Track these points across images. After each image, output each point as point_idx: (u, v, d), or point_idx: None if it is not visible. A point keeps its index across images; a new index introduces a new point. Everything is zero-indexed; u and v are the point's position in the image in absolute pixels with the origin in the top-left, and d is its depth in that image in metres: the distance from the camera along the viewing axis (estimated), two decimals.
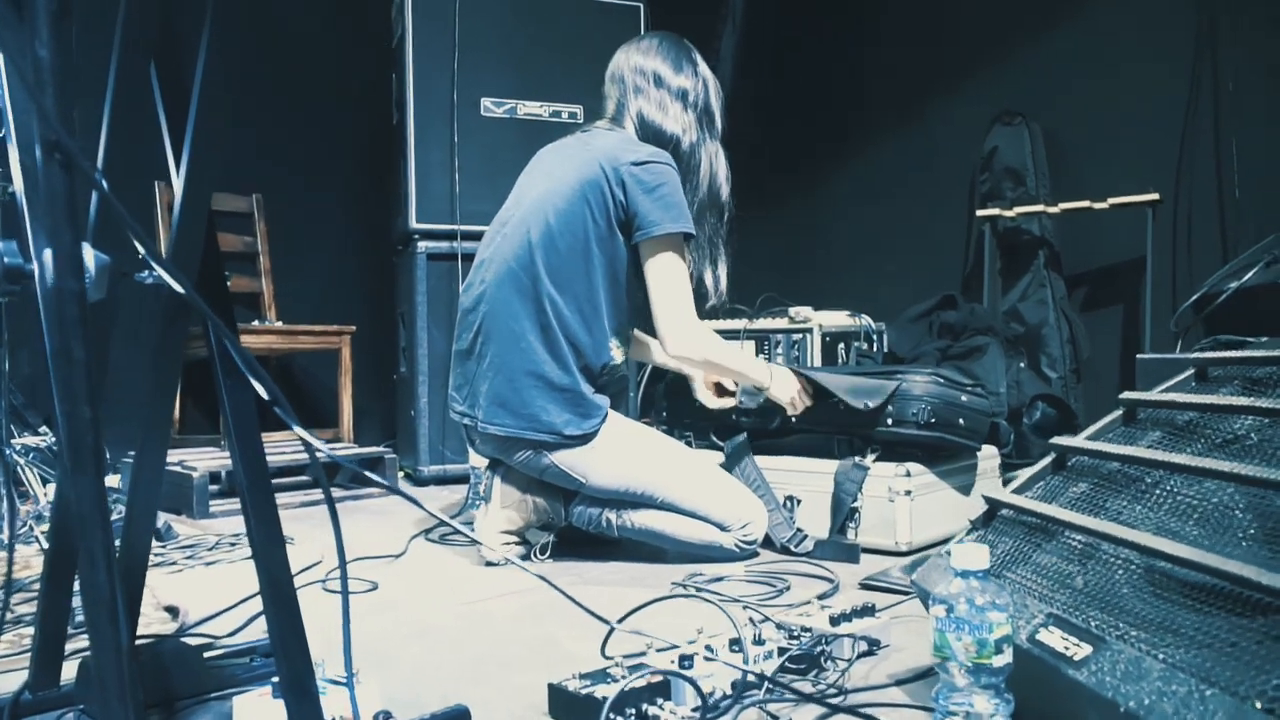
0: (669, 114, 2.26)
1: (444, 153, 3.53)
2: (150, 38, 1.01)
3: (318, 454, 0.84)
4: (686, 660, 1.25)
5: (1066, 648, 0.97)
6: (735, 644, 1.32)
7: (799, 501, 2.34)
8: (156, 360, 1.19)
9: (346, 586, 0.89)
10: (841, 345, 3.26)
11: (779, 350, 3.28)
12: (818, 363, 3.20)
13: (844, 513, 2.23)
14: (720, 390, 2.52)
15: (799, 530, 2.25)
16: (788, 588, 1.90)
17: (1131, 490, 1.17)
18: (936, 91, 4.08)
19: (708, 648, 1.31)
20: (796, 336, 3.25)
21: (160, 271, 0.83)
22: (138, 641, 1.42)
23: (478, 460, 2.42)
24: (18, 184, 1.00)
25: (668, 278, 2.17)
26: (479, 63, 3.58)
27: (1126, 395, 1.32)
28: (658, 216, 2.13)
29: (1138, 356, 1.61)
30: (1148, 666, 0.88)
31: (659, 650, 1.34)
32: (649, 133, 2.25)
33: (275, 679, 1.25)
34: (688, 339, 2.19)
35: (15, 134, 0.98)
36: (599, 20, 3.75)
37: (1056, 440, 1.32)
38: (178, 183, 1.10)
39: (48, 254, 0.93)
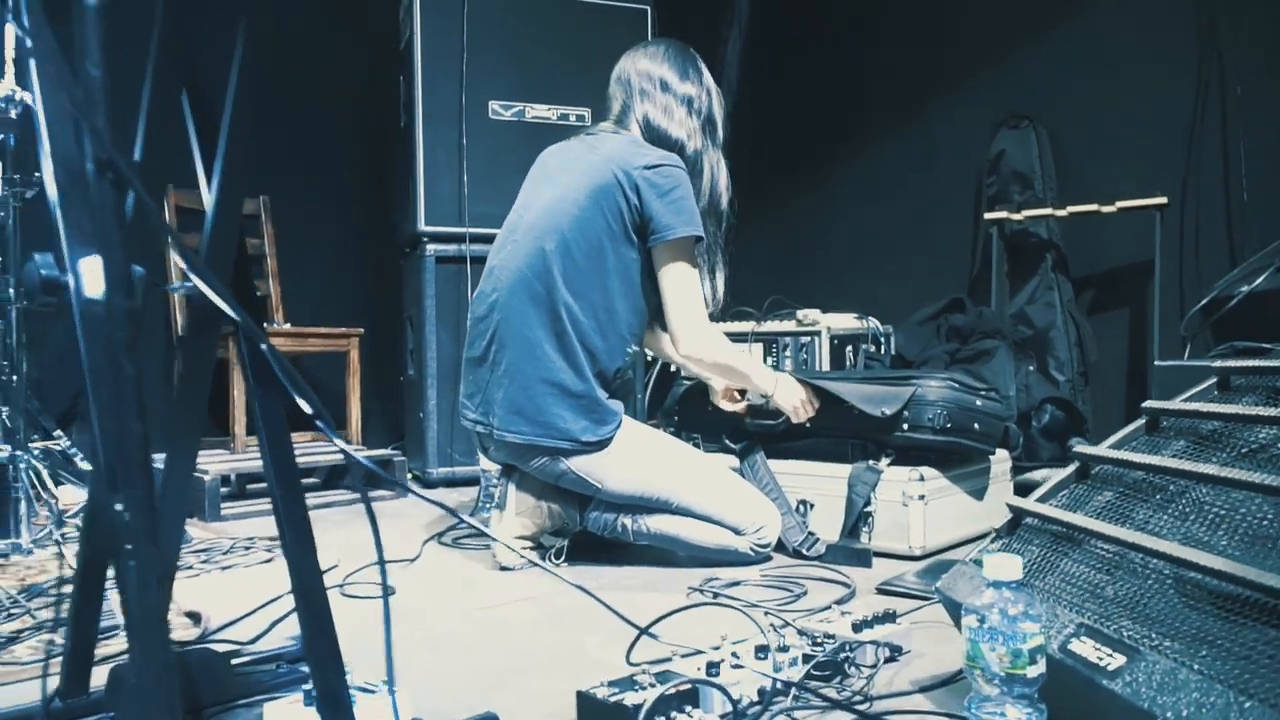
0: (674, 119, 2.27)
1: (452, 155, 3.53)
2: (183, 64, 1.02)
3: (361, 464, 0.85)
4: (713, 667, 1.26)
5: (1100, 658, 0.98)
6: (761, 651, 1.33)
7: (812, 505, 2.35)
8: (186, 368, 1.20)
9: (388, 601, 0.89)
10: (849, 348, 3.27)
11: (787, 353, 3.28)
12: (825, 366, 3.21)
13: (857, 517, 2.24)
14: (735, 397, 2.53)
15: (811, 534, 2.26)
16: (804, 593, 1.90)
17: (1157, 499, 1.18)
18: (941, 94, 4.09)
19: (734, 654, 1.31)
20: (804, 339, 3.26)
21: (209, 292, 0.83)
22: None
23: (487, 463, 2.43)
24: (52, 197, 1.01)
25: (682, 281, 2.18)
26: (486, 65, 3.58)
27: (1150, 404, 1.33)
28: (672, 220, 2.14)
29: (1155, 363, 1.62)
30: (1184, 678, 0.88)
31: (684, 656, 1.35)
32: (654, 136, 2.26)
33: (305, 687, 1.25)
34: (700, 341, 2.21)
35: (51, 147, 0.99)
36: (606, 23, 3.76)
37: (1080, 449, 1.33)
38: (209, 197, 1.11)
39: (87, 267, 0.93)
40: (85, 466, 2.36)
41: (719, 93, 2.36)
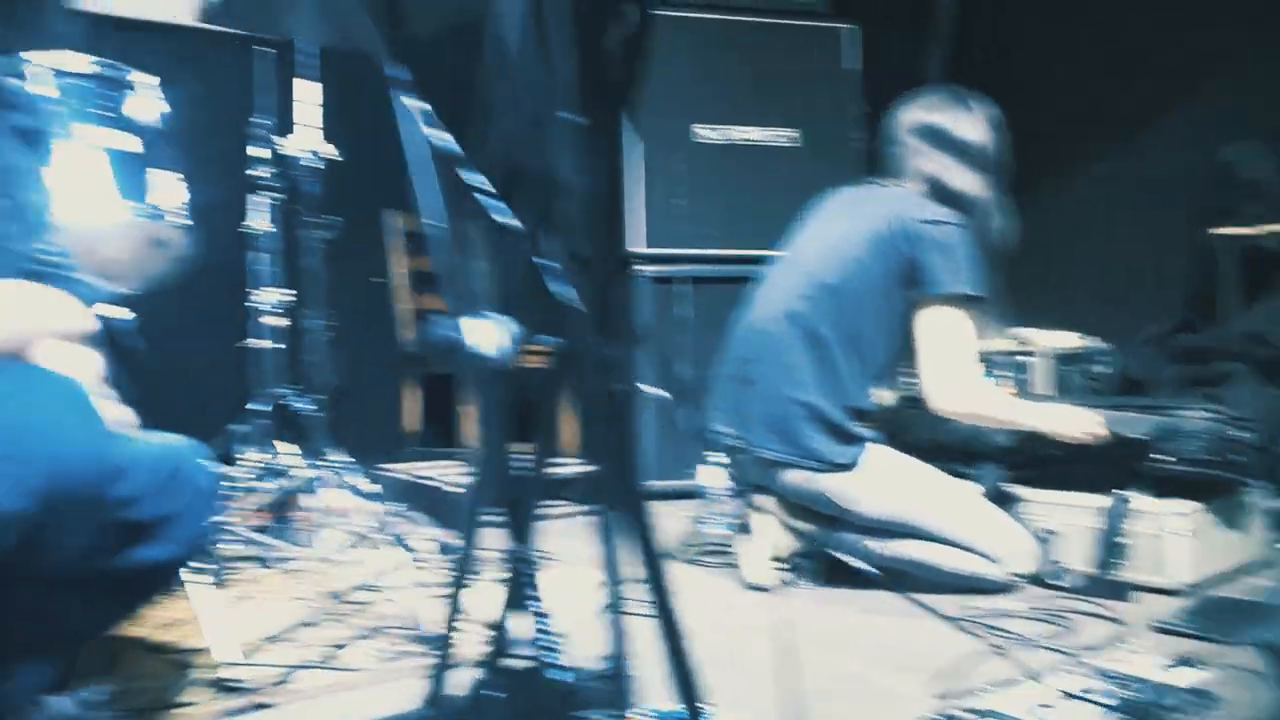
0: (953, 172, 2.29)
1: (660, 178, 3.64)
2: None
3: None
4: (1041, 706, 1.29)
5: None
6: (1068, 692, 1.35)
7: (1054, 534, 2.32)
8: (590, 414, 1.28)
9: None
10: (1072, 368, 3.20)
11: (999, 373, 3.24)
12: (1042, 387, 3.15)
13: (1111, 549, 2.20)
14: None
15: (1056, 563, 2.24)
16: (1072, 627, 1.89)
17: None
18: (1157, 103, 3.93)
19: (1053, 692, 1.34)
20: (1020, 358, 3.21)
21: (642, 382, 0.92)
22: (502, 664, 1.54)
23: (708, 477, 2.51)
24: (437, 264, 1.17)
25: (943, 335, 2.22)
26: (689, 89, 3.67)
27: None
28: (943, 276, 2.19)
29: None
30: None
31: (985, 691, 1.38)
32: (934, 191, 2.30)
33: (644, 707, 1.35)
34: (954, 396, 2.23)
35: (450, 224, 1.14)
36: (809, 42, 3.80)
37: None
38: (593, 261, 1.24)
39: (474, 329, 1.09)
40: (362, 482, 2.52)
41: (995, 127, 2.36)
